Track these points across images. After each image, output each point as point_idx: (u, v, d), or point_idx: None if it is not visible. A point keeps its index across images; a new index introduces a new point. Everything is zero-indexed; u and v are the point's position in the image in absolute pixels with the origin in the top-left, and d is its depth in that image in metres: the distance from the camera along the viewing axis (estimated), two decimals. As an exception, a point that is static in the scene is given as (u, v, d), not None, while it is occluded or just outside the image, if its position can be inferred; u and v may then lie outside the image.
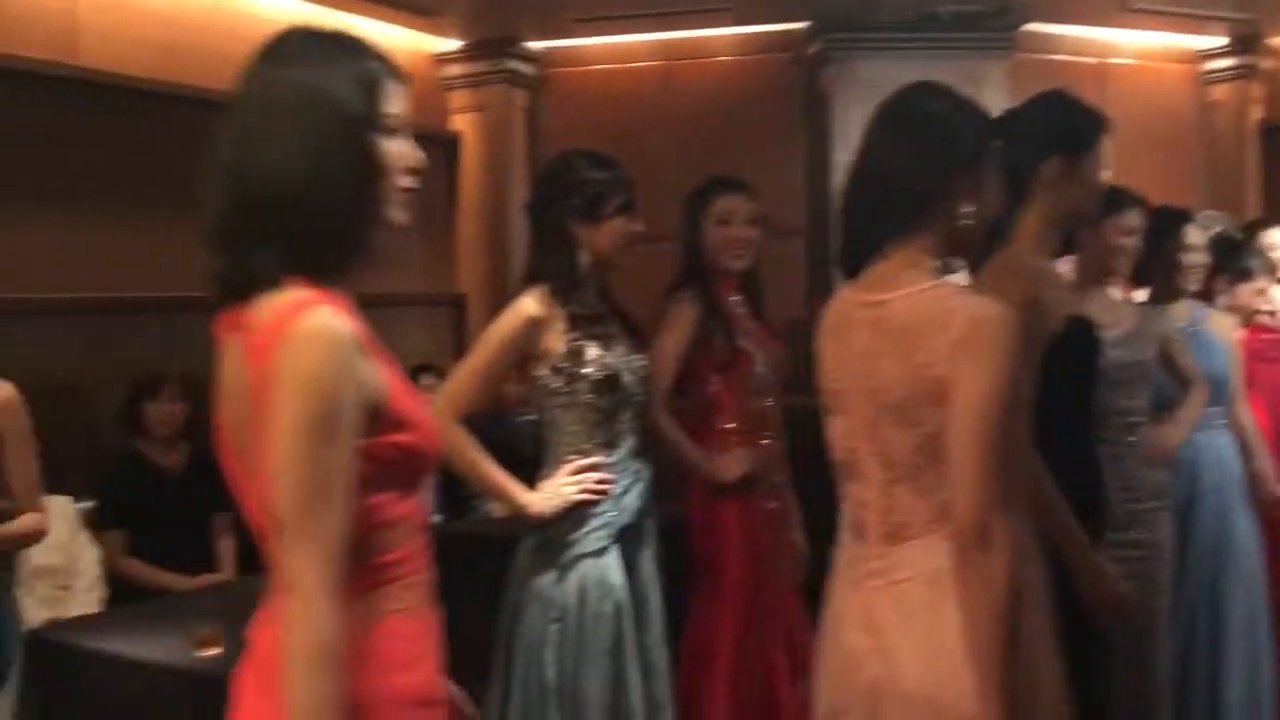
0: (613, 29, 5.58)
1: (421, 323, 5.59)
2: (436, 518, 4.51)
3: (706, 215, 2.85)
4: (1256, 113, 6.03)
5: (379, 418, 1.27)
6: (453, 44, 5.65)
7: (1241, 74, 5.95)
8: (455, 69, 5.70)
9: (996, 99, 5.20)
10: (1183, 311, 3.24)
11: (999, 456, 1.58)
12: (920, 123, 1.77)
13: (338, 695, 1.18)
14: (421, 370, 4.58)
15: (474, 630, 2.56)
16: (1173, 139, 6.02)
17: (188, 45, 4.40)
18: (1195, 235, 3.21)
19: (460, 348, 5.08)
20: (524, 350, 2.35)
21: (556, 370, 2.34)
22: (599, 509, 2.34)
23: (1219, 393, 3.22)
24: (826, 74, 5.33)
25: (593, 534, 2.32)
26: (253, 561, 3.72)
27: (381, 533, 1.30)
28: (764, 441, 2.85)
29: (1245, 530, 3.18)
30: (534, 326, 2.33)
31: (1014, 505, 1.66)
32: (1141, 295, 4.18)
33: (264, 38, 1.37)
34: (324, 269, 1.29)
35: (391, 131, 1.36)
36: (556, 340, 2.35)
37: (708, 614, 2.78)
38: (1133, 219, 2.83)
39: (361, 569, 1.27)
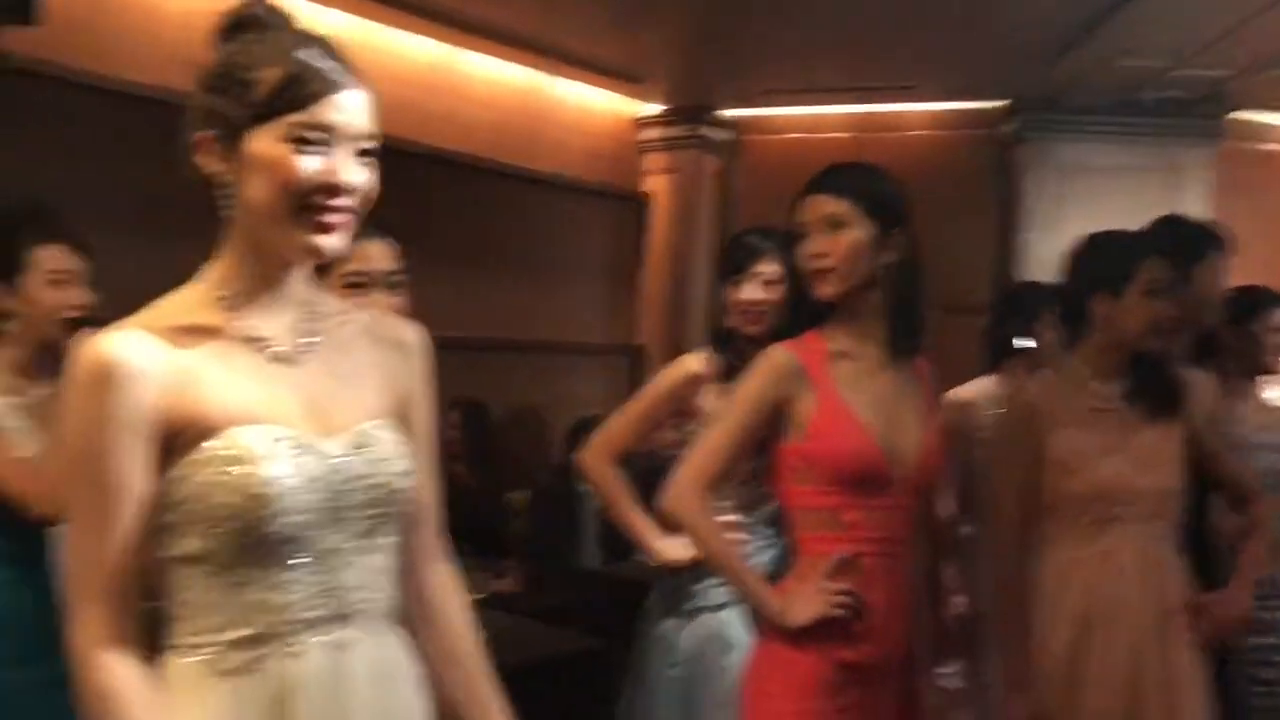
0: (806, 100, 5.71)
1: (600, 371, 5.80)
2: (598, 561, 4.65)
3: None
4: None
5: None
6: (653, 108, 5.89)
7: None
8: (652, 132, 5.92)
9: (1199, 187, 5.07)
10: None
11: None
12: (1080, 249, 2.17)
13: None
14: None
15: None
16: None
17: (411, 102, 4.77)
18: None
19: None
20: (679, 404, 2.45)
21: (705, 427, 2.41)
22: None
23: None
24: (1020, 154, 5.30)
25: (714, 588, 2.34)
26: None
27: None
28: None
29: None
30: (691, 383, 2.43)
31: None
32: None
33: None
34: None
35: None
36: (710, 398, 2.42)
37: None
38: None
39: None
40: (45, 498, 2.09)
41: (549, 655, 2.97)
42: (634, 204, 5.95)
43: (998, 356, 3.12)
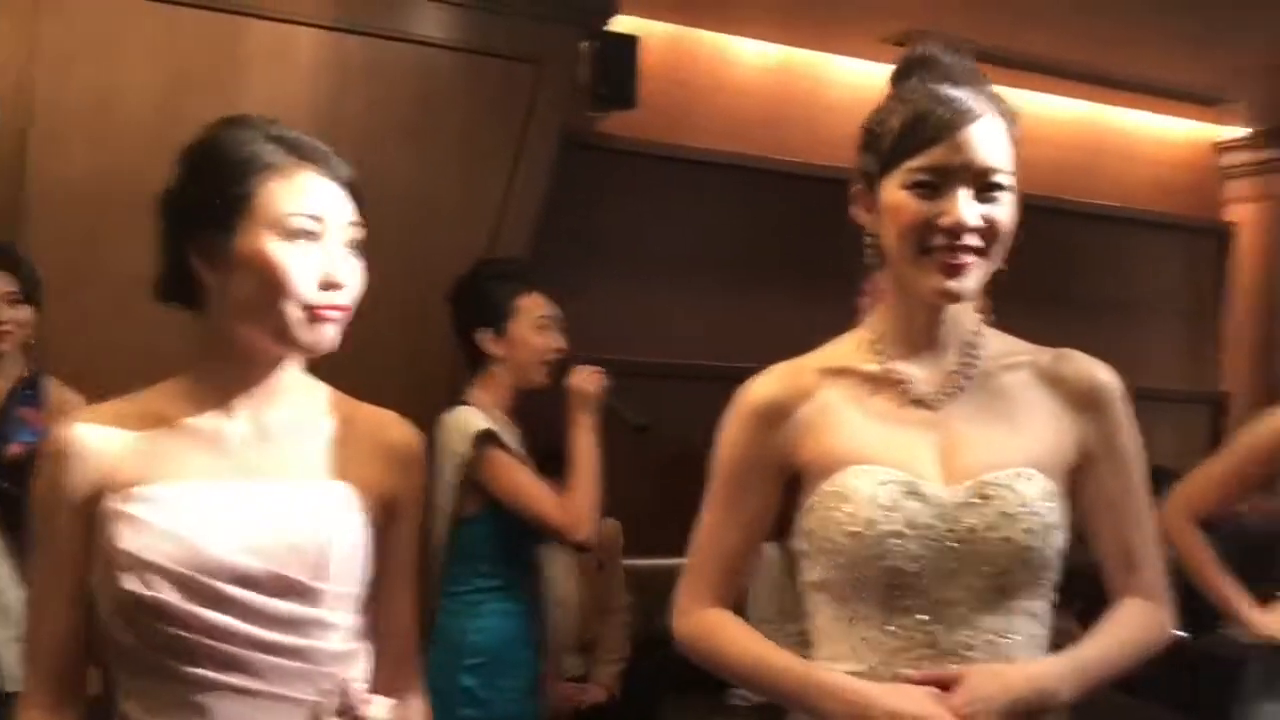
0: None
1: (1175, 420, 5.32)
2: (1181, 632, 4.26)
3: None
4: None
5: None
6: (1237, 131, 5.35)
7: None
8: (1237, 157, 5.40)
9: None
10: None
11: None
12: None
13: None
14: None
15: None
16: None
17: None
18: None
19: (1214, 450, 4.75)
20: (1275, 463, 2.18)
21: None
22: None
23: None
24: None
25: None
26: None
27: None
28: None
29: None
30: None
31: None
32: None
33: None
34: None
35: None
36: None
37: None
38: None
39: None
40: (578, 526, 2.30)
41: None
42: (1214, 236, 5.45)
43: None
